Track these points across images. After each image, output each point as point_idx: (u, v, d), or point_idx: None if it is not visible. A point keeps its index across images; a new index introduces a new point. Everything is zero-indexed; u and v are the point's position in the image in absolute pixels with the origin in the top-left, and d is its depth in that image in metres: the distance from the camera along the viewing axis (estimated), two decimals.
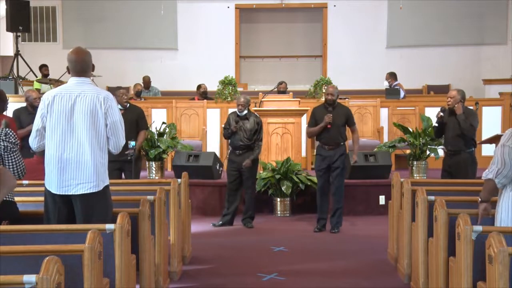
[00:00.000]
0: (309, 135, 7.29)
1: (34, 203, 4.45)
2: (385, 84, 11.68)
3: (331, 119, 6.85)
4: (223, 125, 7.55)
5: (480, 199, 3.84)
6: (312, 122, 7.05)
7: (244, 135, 7.24)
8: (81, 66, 3.97)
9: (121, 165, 6.84)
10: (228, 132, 7.34)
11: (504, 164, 3.58)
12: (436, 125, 6.59)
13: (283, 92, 10.75)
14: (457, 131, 6.36)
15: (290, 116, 8.63)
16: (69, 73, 4.06)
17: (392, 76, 11.61)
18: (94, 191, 3.86)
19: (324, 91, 10.59)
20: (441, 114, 6.49)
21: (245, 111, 7.31)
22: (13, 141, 4.03)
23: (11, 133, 4.04)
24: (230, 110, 7.63)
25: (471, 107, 7.27)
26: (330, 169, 6.98)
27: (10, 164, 4.02)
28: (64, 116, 3.86)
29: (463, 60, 13.83)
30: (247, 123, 7.27)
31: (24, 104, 7.42)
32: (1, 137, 3.98)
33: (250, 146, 7.27)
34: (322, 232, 7.08)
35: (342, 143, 6.99)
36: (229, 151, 7.54)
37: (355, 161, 7.24)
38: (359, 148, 7.37)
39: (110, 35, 14.02)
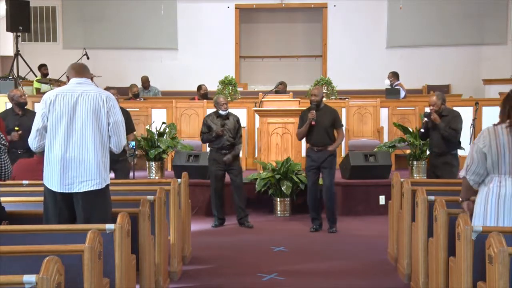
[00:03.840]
0: (298, 136, 7.31)
1: (34, 203, 4.45)
2: (386, 83, 11.66)
3: (314, 116, 6.87)
4: (201, 130, 7.48)
5: (460, 199, 3.95)
6: (300, 124, 7.12)
7: (229, 134, 7.30)
8: (80, 67, 4.06)
9: (112, 164, 6.81)
10: (211, 136, 7.29)
11: (473, 161, 3.74)
12: (422, 130, 6.62)
13: (283, 91, 10.74)
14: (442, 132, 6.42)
15: (290, 116, 8.62)
16: (68, 81, 4.09)
17: (394, 75, 11.61)
18: (97, 188, 3.89)
19: (324, 91, 10.63)
20: (426, 119, 6.54)
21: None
22: (3, 142, 4.02)
23: (1, 135, 4.03)
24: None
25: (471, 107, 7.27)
26: (320, 170, 7.01)
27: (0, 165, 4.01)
28: (66, 115, 3.88)
29: (463, 60, 13.82)
30: (229, 122, 7.33)
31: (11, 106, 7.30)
32: None
33: (234, 144, 7.35)
34: (322, 232, 7.08)
35: (330, 144, 6.99)
36: (209, 151, 7.47)
37: (330, 150, 6.92)
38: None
39: (110, 35, 14.02)
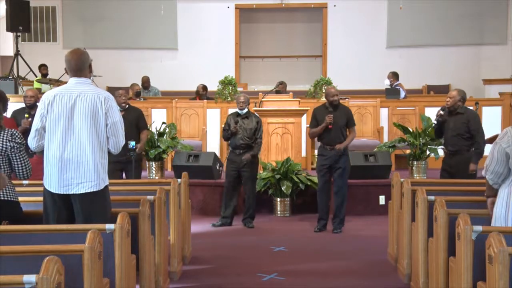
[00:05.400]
0: (311, 135, 7.31)
1: (34, 203, 4.45)
2: (386, 83, 11.67)
3: (332, 120, 6.86)
4: (222, 126, 7.54)
5: (485, 195, 3.92)
6: (314, 123, 7.06)
7: (245, 134, 7.25)
8: (77, 65, 3.95)
9: (122, 165, 6.87)
10: (227, 134, 7.33)
11: (492, 160, 3.69)
12: (435, 123, 6.57)
13: (283, 91, 10.74)
14: (457, 130, 6.35)
15: (290, 116, 8.62)
16: (67, 74, 4.06)
17: (394, 75, 11.61)
18: (95, 190, 3.87)
19: (324, 91, 10.63)
20: (441, 113, 6.48)
21: (246, 109, 7.33)
22: (19, 141, 4.05)
23: (17, 133, 4.06)
24: (230, 110, 7.62)
25: (471, 107, 7.26)
26: (332, 169, 7.00)
27: (18, 164, 4.04)
28: (64, 116, 3.86)
29: (463, 60, 13.82)
30: (247, 122, 7.28)
31: (23, 105, 7.42)
32: (8, 138, 4.00)
33: (250, 145, 7.29)
34: (322, 232, 7.08)
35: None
36: (229, 151, 7.54)
37: (338, 148, 6.90)
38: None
39: (110, 35, 14.02)
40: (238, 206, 7.65)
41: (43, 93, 11.02)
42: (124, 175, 7.07)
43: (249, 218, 7.42)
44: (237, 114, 7.37)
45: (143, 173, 8.79)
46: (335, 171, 6.98)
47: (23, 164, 4.06)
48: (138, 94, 11.43)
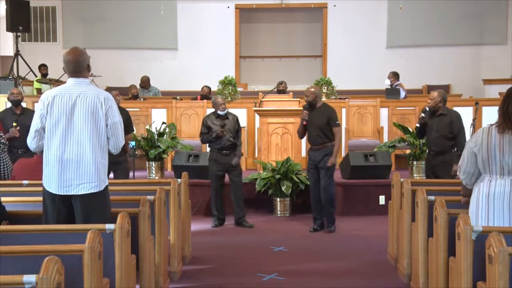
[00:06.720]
0: (297, 135, 7.40)
1: (34, 203, 4.45)
2: (386, 83, 11.66)
3: (304, 116, 6.91)
4: (200, 131, 7.47)
5: (461, 194, 4.04)
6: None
7: (230, 134, 7.28)
8: (75, 66, 3.93)
9: (110, 166, 6.82)
10: (211, 137, 7.27)
11: (463, 160, 3.76)
12: (418, 125, 6.60)
13: (283, 91, 10.75)
14: (440, 131, 6.35)
15: (290, 116, 8.62)
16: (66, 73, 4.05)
17: (395, 75, 11.61)
18: (95, 191, 3.86)
19: (324, 91, 10.65)
20: (423, 115, 6.50)
21: (226, 109, 7.37)
22: (3, 141, 4.05)
23: (1, 134, 4.06)
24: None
25: (470, 108, 7.26)
26: (319, 169, 7.00)
27: (1, 163, 4.04)
28: (64, 116, 3.85)
29: (463, 60, 13.83)
30: (228, 122, 7.32)
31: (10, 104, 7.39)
32: None
33: (235, 143, 7.34)
34: (322, 232, 7.08)
35: (327, 143, 6.94)
36: (210, 151, 7.46)
37: (331, 164, 6.90)
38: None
39: (110, 35, 14.03)
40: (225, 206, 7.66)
41: (43, 93, 11.05)
42: (111, 174, 7.05)
43: (244, 217, 7.43)
44: (216, 116, 7.36)
45: (143, 173, 8.81)
46: (320, 171, 6.98)
47: (5, 165, 4.07)
48: (136, 96, 11.38)
